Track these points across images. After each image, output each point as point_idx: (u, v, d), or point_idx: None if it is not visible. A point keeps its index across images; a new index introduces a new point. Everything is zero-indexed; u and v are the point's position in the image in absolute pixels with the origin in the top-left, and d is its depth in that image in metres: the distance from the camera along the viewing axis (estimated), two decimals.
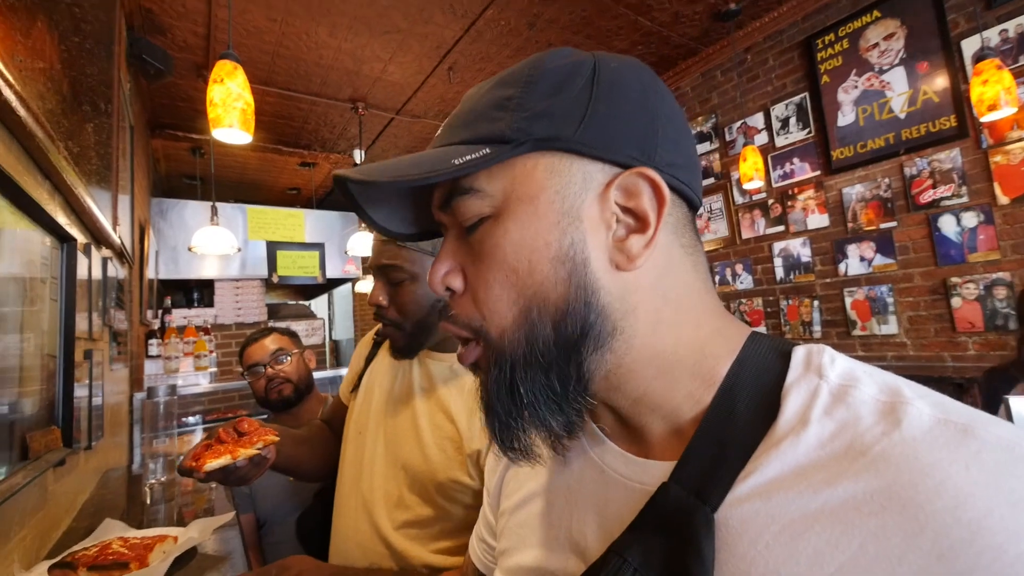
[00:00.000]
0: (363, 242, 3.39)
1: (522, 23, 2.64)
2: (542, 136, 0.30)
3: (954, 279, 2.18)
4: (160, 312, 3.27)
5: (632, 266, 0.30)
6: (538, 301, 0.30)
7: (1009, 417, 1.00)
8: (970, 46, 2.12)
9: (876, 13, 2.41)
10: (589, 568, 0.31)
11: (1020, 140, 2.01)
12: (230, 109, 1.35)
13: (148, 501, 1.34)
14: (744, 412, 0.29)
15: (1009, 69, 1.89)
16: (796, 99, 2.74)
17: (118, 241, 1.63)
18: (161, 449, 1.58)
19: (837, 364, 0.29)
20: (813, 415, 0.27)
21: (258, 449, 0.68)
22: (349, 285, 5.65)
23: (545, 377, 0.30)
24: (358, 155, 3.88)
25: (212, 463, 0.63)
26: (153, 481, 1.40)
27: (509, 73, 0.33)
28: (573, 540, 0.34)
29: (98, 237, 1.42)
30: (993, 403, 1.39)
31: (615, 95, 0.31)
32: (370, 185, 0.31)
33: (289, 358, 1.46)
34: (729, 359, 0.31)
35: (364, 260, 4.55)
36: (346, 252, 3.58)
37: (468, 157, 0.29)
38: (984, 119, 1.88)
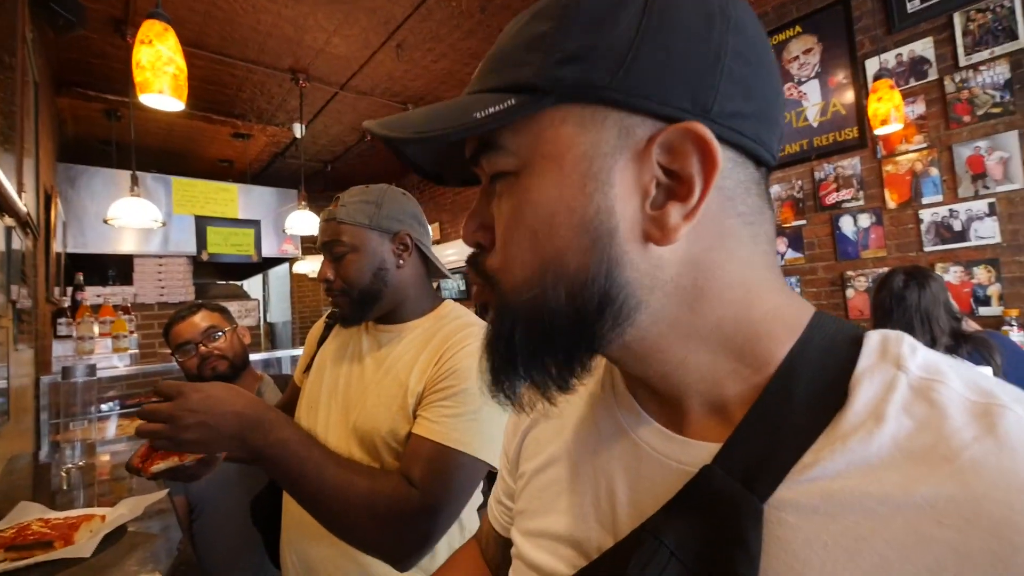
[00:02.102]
0: (302, 220, 3.26)
1: (474, 5, 2.63)
2: (572, 84, 0.26)
3: (849, 272, 2.48)
4: (71, 289, 2.99)
5: (668, 240, 0.27)
6: (554, 267, 0.27)
7: None
8: (872, 66, 2.38)
9: (798, 28, 2.63)
10: (619, 545, 0.30)
11: (907, 152, 2.30)
12: (160, 73, 1.27)
13: (65, 486, 1.26)
14: (804, 399, 0.26)
15: (900, 90, 2.15)
16: None
17: (23, 209, 1.50)
18: (78, 434, 1.48)
19: (919, 355, 0.26)
20: (889, 410, 0.24)
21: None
22: (287, 265, 5.41)
23: (546, 341, 0.28)
24: (298, 129, 3.70)
25: (159, 465, 0.63)
26: (70, 466, 1.32)
27: None
28: (601, 510, 0.33)
29: (1, 205, 1.30)
30: None
31: (668, 27, 0.26)
32: (391, 140, 0.29)
33: (222, 334, 1.41)
34: (789, 340, 0.28)
35: (303, 240, 4.37)
36: (284, 231, 3.42)
37: (490, 110, 0.27)
38: (878, 132, 2.14)
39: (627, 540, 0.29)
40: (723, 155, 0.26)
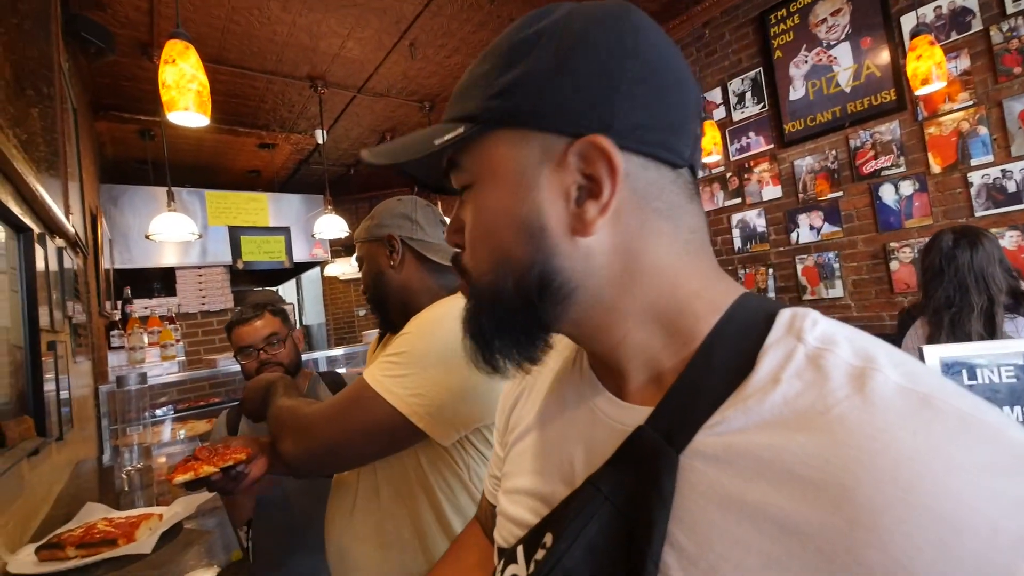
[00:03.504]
0: (329, 224, 3.34)
1: None
2: (502, 113, 0.33)
3: (892, 244, 2.35)
4: (120, 303, 3.16)
5: (588, 232, 0.32)
6: (503, 259, 0.34)
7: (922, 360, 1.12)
8: (908, 22, 2.23)
9: None
10: (571, 495, 0.35)
11: (951, 112, 2.16)
12: (184, 91, 1.32)
13: (126, 488, 1.35)
14: (720, 368, 0.31)
15: (941, 45, 2.01)
16: (751, 74, 2.82)
17: (72, 230, 1.59)
18: (135, 438, 1.57)
19: (818, 328, 0.30)
20: (784, 375, 0.29)
21: (218, 469, 0.75)
22: (318, 269, 5.56)
23: (508, 319, 0.35)
24: (320, 135, 3.78)
25: (179, 477, 0.74)
26: (130, 468, 1.41)
27: (496, 43, 0.35)
28: (563, 470, 0.38)
29: (51, 226, 1.38)
30: (903, 340, 1.55)
31: (574, 60, 0.31)
32: (373, 166, 0.38)
33: (282, 342, 1.45)
34: (712, 318, 0.33)
35: (332, 243, 4.47)
36: (313, 235, 3.51)
37: (445, 137, 0.34)
38: (919, 92, 2.01)
39: (577, 491, 0.35)
40: (631, 161, 0.32)
